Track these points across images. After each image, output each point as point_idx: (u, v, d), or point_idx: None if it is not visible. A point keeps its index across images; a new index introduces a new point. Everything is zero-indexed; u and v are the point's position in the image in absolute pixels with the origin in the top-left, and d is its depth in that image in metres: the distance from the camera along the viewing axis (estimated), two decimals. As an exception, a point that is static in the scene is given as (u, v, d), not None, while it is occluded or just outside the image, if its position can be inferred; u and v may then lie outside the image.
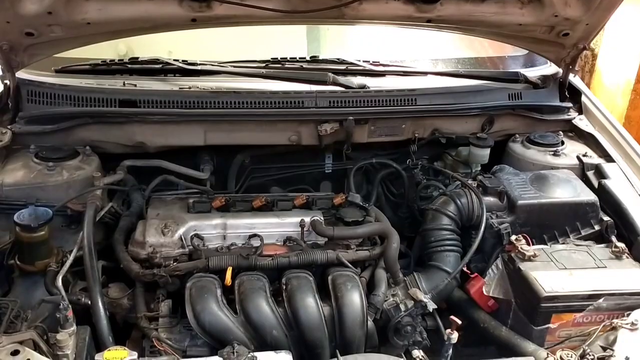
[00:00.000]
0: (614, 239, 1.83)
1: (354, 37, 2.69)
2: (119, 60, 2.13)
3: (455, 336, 1.61)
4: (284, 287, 1.64)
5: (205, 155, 2.18)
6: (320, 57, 2.24)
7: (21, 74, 1.99)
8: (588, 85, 4.07)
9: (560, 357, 1.45)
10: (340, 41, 2.75)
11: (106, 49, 2.37)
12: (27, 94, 1.99)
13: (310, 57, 2.22)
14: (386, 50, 2.58)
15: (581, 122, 2.28)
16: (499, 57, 2.53)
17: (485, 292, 1.77)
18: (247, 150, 2.23)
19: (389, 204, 2.31)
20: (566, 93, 2.34)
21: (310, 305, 1.59)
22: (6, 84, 1.96)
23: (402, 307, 1.73)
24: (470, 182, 1.95)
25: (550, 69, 2.38)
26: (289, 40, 2.55)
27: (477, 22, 2.03)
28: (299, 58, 2.20)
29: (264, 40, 2.50)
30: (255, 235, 1.79)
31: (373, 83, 2.19)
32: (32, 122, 1.97)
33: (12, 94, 1.96)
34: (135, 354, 1.35)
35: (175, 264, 1.71)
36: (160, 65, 2.13)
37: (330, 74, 2.09)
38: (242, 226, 1.82)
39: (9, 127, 1.94)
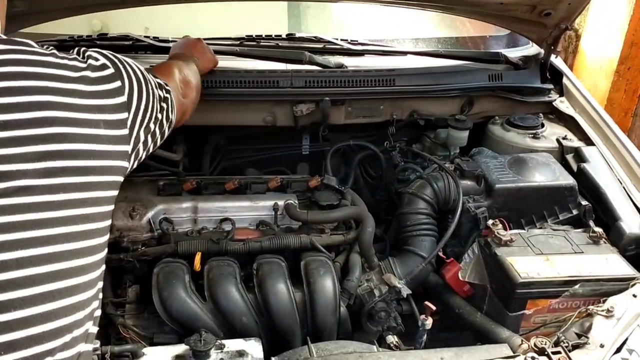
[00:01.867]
0: (591, 223, 1.81)
1: (335, 15, 2.64)
2: (87, 36, 2.05)
3: (429, 322, 1.59)
4: (255, 272, 1.60)
5: (179, 136, 2.11)
6: (298, 35, 2.17)
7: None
8: (571, 66, 4.05)
9: (534, 344, 1.42)
10: (322, 19, 2.70)
11: (79, 24, 2.30)
12: (-10, 71, 1.91)
13: (287, 35, 2.15)
14: (368, 28, 2.53)
15: (562, 104, 2.24)
16: (481, 37, 2.48)
17: (460, 277, 1.75)
18: (222, 131, 2.17)
19: (367, 186, 2.27)
20: (547, 74, 2.29)
21: (281, 291, 1.55)
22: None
23: (376, 292, 1.70)
24: (447, 165, 1.91)
25: (531, 49, 2.33)
26: (268, 17, 2.49)
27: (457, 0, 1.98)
28: (275, 36, 2.14)
29: (243, 16, 2.44)
30: (226, 219, 1.74)
31: (351, 62, 2.13)
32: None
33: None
34: (97, 342, 1.31)
35: (143, 248, 1.66)
36: (131, 42, 2.05)
37: (306, 52, 2.02)
38: (214, 209, 1.77)
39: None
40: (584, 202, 1.85)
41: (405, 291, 1.66)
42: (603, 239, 1.73)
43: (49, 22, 1.90)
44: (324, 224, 1.77)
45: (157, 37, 2.07)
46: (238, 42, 2.09)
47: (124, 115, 1.12)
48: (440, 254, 1.78)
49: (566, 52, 4.16)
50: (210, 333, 1.44)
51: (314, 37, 2.16)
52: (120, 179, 1.13)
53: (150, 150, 1.30)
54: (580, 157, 2.00)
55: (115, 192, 1.11)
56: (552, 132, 2.15)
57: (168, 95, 1.39)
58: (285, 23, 2.50)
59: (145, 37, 2.06)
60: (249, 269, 1.64)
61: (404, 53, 2.21)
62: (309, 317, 1.58)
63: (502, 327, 1.60)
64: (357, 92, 2.02)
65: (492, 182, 1.82)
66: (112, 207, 1.11)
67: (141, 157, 1.25)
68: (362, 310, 1.68)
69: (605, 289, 1.59)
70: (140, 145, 1.21)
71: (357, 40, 2.18)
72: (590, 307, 1.52)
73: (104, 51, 1.17)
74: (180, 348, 1.40)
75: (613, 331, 1.44)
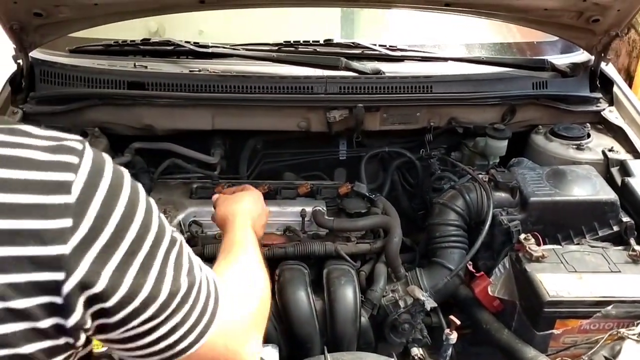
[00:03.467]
0: (632, 241, 1.72)
1: (388, 20, 2.61)
2: (130, 41, 2.11)
3: (454, 336, 1.55)
4: (277, 278, 1.61)
5: (217, 139, 2.15)
6: (336, 41, 2.16)
7: (36, 54, 2.00)
8: (634, 72, 3.86)
9: (558, 367, 1.38)
10: (375, 24, 2.67)
11: (136, 26, 2.38)
12: (40, 74, 2.00)
13: (325, 41, 2.15)
14: (418, 33, 2.49)
15: (611, 114, 2.14)
16: (528, 43, 2.40)
17: (490, 292, 1.70)
18: (260, 135, 2.19)
19: (406, 193, 2.25)
20: (597, 82, 2.20)
21: (301, 298, 1.56)
22: (19, 63, 1.97)
23: (401, 303, 1.67)
24: (482, 175, 1.86)
25: (581, 56, 2.24)
26: (322, 22, 2.49)
27: (499, 6, 1.93)
28: (313, 41, 2.14)
29: (296, 21, 2.45)
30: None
31: (389, 68, 2.10)
32: (43, 102, 1.97)
33: (25, 73, 1.97)
34: None
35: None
36: (172, 47, 2.10)
37: (342, 58, 2.01)
38: (243, 214, 1.79)
39: (20, 106, 1.96)
40: (625, 219, 1.76)
41: (430, 304, 1.62)
42: (644, 258, 1.65)
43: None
44: (350, 232, 1.76)
45: (198, 43, 2.11)
46: (276, 48, 2.10)
47: (52, 276, 0.67)
48: (471, 267, 1.74)
49: (630, 57, 3.98)
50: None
51: (352, 42, 2.15)
52: None
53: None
54: (625, 170, 1.91)
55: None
56: (599, 144, 2.06)
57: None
58: (338, 28, 2.49)
59: (186, 42, 2.10)
60: (272, 275, 1.65)
61: (445, 59, 2.16)
62: (329, 326, 1.57)
63: (529, 347, 1.55)
64: (392, 99, 2.00)
65: (527, 195, 1.76)
66: None
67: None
68: (385, 321, 1.66)
69: (640, 311, 1.52)
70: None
71: (396, 46, 2.15)
72: (622, 330, 1.46)
73: (110, 160, 0.75)
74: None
75: (644, 357, 1.38)
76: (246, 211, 1.34)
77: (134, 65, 2.04)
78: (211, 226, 1.77)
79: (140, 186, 0.78)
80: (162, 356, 0.80)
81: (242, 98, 1.95)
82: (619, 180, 1.89)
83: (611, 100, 2.20)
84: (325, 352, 1.41)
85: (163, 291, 0.76)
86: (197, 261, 0.86)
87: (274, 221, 1.78)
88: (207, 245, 1.67)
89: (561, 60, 2.24)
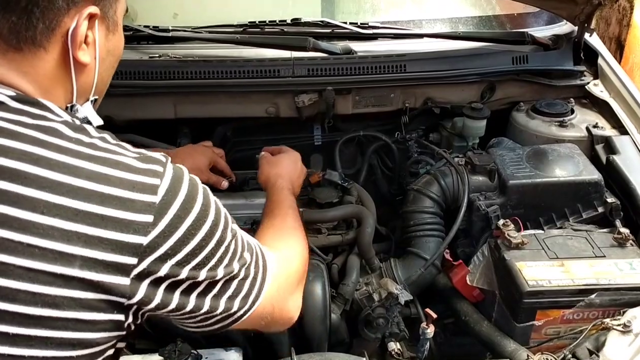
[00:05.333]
0: (618, 223, 1.63)
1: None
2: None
3: (431, 330, 1.48)
4: (241, 277, 1.51)
5: (184, 128, 2.05)
6: (304, 20, 2.04)
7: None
8: (625, 41, 3.75)
9: (538, 362, 1.30)
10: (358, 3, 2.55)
11: None
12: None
13: (292, 20, 2.03)
14: (402, 9, 2.38)
15: (595, 87, 2.03)
16: (507, 16, 2.29)
17: (469, 282, 1.61)
18: (229, 122, 2.09)
19: (385, 178, 2.15)
20: (581, 55, 2.09)
21: (266, 297, 1.46)
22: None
23: (375, 297, 1.58)
24: (458, 158, 1.76)
25: (564, 27, 2.13)
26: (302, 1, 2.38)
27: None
28: (280, 21, 2.02)
29: (276, 2, 2.34)
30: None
31: (361, 47, 1.99)
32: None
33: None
34: None
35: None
36: (130, 32, 1.98)
37: (310, 38, 1.90)
38: (207, 208, 1.69)
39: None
40: (610, 199, 1.67)
41: (404, 297, 1.54)
42: (630, 241, 1.55)
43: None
44: (320, 223, 1.67)
45: (157, 27, 1.99)
46: (241, 29, 1.99)
47: (128, 260, 0.80)
48: (448, 256, 1.65)
49: (620, 26, 3.85)
50: (190, 341, 1.38)
51: (321, 21, 2.03)
52: (105, 335, 0.83)
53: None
54: (610, 147, 1.81)
55: (89, 350, 0.83)
56: (583, 120, 1.95)
57: (253, 287, 0.99)
58: (318, 7, 2.38)
59: (144, 26, 1.99)
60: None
61: (419, 36, 2.05)
62: (297, 326, 1.48)
63: (509, 339, 1.46)
64: (363, 80, 1.89)
65: (506, 178, 1.67)
66: None
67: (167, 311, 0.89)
68: (358, 317, 1.58)
69: (627, 298, 1.43)
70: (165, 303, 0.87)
71: (367, 24, 2.04)
72: (606, 320, 1.37)
73: (192, 176, 0.89)
74: (156, 358, 1.35)
75: (629, 349, 1.29)
76: (286, 175, 1.52)
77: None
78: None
79: (209, 192, 0.92)
80: (219, 325, 0.98)
81: (203, 84, 1.84)
82: (603, 158, 1.80)
83: (596, 73, 2.09)
84: (293, 354, 1.33)
85: (220, 273, 0.91)
86: (246, 237, 1.02)
87: (241, 214, 1.68)
88: None
89: (543, 32, 2.13)
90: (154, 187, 0.83)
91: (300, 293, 1.17)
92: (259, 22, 2.02)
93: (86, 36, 0.89)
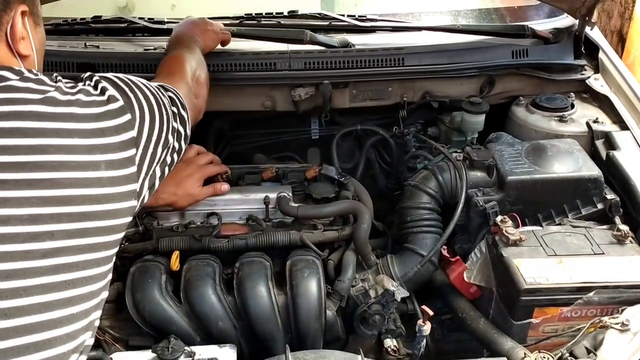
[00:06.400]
0: (617, 220, 1.61)
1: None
2: (81, 19, 1.97)
3: (427, 327, 1.46)
4: (236, 273, 1.50)
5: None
6: (301, 12, 2.02)
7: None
8: (627, 34, 3.72)
9: (536, 360, 1.28)
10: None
11: (105, 1, 2.23)
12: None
13: (289, 12, 2.00)
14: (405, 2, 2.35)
15: (596, 82, 2.01)
16: (507, 9, 2.26)
17: (466, 279, 1.60)
18: (225, 116, 2.07)
19: (383, 172, 2.13)
20: (582, 49, 2.06)
21: (261, 294, 1.45)
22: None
23: (371, 293, 1.56)
24: (456, 153, 1.74)
25: (564, 21, 2.10)
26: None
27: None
28: (276, 13, 2.00)
29: None
30: (213, 213, 1.64)
31: (359, 40, 1.97)
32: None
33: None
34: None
35: (126, 244, 1.59)
36: (126, 25, 1.96)
37: (307, 31, 1.88)
38: (202, 203, 1.66)
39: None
40: (610, 196, 1.65)
41: (401, 294, 1.51)
42: (629, 238, 1.54)
43: None
44: (316, 219, 1.65)
45: (152, 19, 1.97)
46: (237, 22, 1.97)
47: (131, 152, 1.05)
48: (445, 252, 1.63)
49: (622, 19, 3.82)
50: (184, 338, 1.38)
51: (318, 14, 2.01)
52: (127, 219, 1.07)
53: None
54: (610, 143, 1.79)
55: (119, 235, 1.07)
56: (583, 115, 1.93)
57: (184, 113, 1.29)
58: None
59: (139, 18, 1.96)
60: (234, 268, 1.54)
61: (418, 29, 2.03)
62: (292, 323, 1.47)
63: (506, 337, 1.45)
64: (360, 74, 1.87)
65: (505, 174, 1.64)
66: (115, 250, 1.08)
67: (156, 189, 1.21)
68: (354, 314, 1.56)
69: (625, 296, 1.41)
70: (153, 179, 1.15)
71: (365, 16, 2.01)
72: (604, 318, 1.35)
73: (115, 78, 1.10)
74: (149, 355, 1.34)
75: (627, 348, 1.28)
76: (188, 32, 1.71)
77: (85, 45, 1.90)
78: (169, 217, 1.66)
79: (137, 78, 1.16)
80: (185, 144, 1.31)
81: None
82: (603, 153, 1.78)
83: (597, 67, 2.06)
84: (287, 351, 1.31)
85: (171, 129, 1.21)
86: (162, 89, 1.24)
87: (236, 209, 1.66)
88: (161, 239, 1.56)
89: (543, 25, 2.10)
90: (114, 97, 1.05)
91: (198, 86, 1.53)
92: (256, 14, 2.00)
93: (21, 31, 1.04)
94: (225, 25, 1.95)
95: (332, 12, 2.06)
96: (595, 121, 1.87)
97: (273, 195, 1.66)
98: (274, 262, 1.56)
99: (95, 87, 1.06)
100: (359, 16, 2.02)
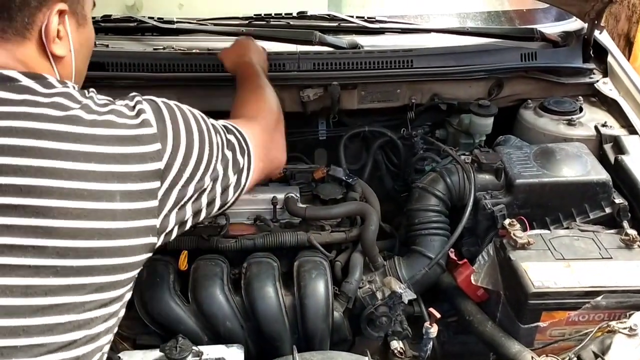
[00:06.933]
0: (625, 224, 1.61)
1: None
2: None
3: (434, 330, 1.47)
4: (243, 273, 1.50)
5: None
6: (310, 13, 2.02)
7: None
8: (634, 38, 3.71)
9: (542, 364, 1.28)
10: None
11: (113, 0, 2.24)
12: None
13: (298, 13, 2.00)
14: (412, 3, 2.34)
15: (605, 85, 2.00)
16: (516, 11, 2.26)
17: (473, 281, 1.60)
18: (233, 116, 2.07)
19: (390, 174, 2.13)
20: (591, 52, 2.06)
21: (268, 295, 1.45)
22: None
23: (378, 295, 1.57)
24: (464, 156, 1.74)
25: (573, 24, 2.10)
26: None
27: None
28: (286, 14, 2.00)
29: None
30: (221, 213, 1.64)
31: (368, 42, 1.97)
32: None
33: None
34: None
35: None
36: (135, 24, 1.96)
37: (316, 32, 1.88)
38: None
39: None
40: (618, 200, 1.65)
41: (408, 296, 1.52)
42: (637, 243, 1.53)
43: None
44: (324, 220, 1.65)
45: (162, 19, 1.97)
46: (246, 22, 1.97)
47: (153, 185, 0.95)
48: (453, 255, 1.63)
49: (630, 22, 3.81)
50: (192, 337, 1.39)
51: (327, 15, 2.01)
52: (143, 257, 0.98)
53: (201, 220, 1.13)
54: (619, 147, 1.78)
55: (132, 274, 0.98)
56: (592, 118, 1.93)
57: (241, 159, 1.16)
58: (324, 0, 2.35)
59: (149, 18, 1.97)
60: (241, 268, 1.55)
61: (427, 31, 2.03)
62: (299, 324, 1.47)
63: (513, 340, 1.45)
64: (369, 75, 1.87)
65: (513, 177, 1.64)
66: (127, 288, 0.99)
67: (184, 229, 1.09)
68: (361, 315, 1.56)
69: (633, 301, 1.41)
70: (182, 217, 1.04)
71: (374, 18, 2.01)
72: (612, 322, 1.35)
73: (160, 102, 1.03)
74: (156, 354, 1.34)
75: (635, 353, 1.28)
76: (248, 52, 1.64)
77: (95, 44, 1.90)
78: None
79: (183, 106, 1.07)
80: (233, 200, 1.19)
81: (207, 77, 1.82)
82: (612, 158, 1.77)
83: (605, 71, 2.06)
84: (295, 352, 1.31)
85: (219, 169, 1.10)
86: (221, 123, 1.17)
87: (244, 210, 1.67)
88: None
89: (552, 29, 2.10)
90: (148, 121, 0.96)
91: (280, 137, 1.40)
92: (265, 14, 1.99)
93: (58, 31, 0.99)
94: (234, 25, 1.96)
95: (340, 13, 2.06)
96: (604, 125, 1.87)
97: (281, 196, 1.67)
98: (282, 262, 1.57)
99: (132, 107, 0.98)
100: (367, 18, 2.02)
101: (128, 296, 1.00)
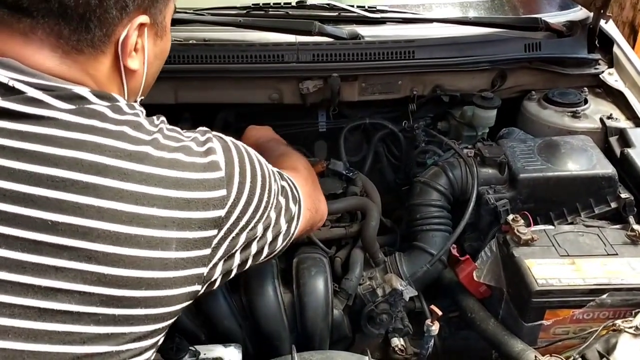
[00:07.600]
0: (631, 219, 1.57)
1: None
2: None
3: (435, 327, 1.44)
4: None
5: (185, 114, 2.00)
6: (309, 3, 1.98)
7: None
8: (638, 25, 3.66)
9: (546, 364, 1.26)
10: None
11: None
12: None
13: (297, 3, 1.96)
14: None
15: (610, 76, 1.96)
16: (520, 0, 2.21)
17: (475, 278, 1.57)
18: (232, 108, 2.03)
19: (391, 167, 2.10)
20: (596, 42, 2.02)
21: (267, 293, 1.42)
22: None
23: (379, 292, 1.54)
24: (467, 149, 1.70)
25: (578, 13, 2.05)
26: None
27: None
28: (284, 3, 1.95)
29: None
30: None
31: (369, 32, 1.93)
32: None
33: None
34: None
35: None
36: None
37: (316, 22, 1.83)
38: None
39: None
40: (624, 194, 1.61)
41: (409, 293, 1.49)
42: (643, 239, 1.50)
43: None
44: (324, 215, 1.62)
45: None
46: (244, 12, 1.92)
47: (210, 233, 0.89)
48: (455, 251, 1.60)
49: (634, 10, 3.76)
50: (189, 337, 1.35)
51: (327, 4, 1.96)
52: (183, 305, 0.91)
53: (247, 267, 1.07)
54: (625, 140, 1.75)
55: (167, 323, 0.91)
56: (597, 110, 1.89)
57: (293, 207, 1.13)
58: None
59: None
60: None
61: (429, 20, 1.98)
62: (298, 322, 1.45)
63: (516, 339, 1.42)
64: (370, 67, 1.83)
65: (517, 171, 1.61)
66: (160, 337, 0.92)
67: (226, 279, 1.03)
68: (361, 312, 1.53)
69: (639, 299, 1.38)
70: (229, 266, 0.98)
71: (375, 7, 1.97)
72: (617, 321, 1.32)
73: (230, 142, 0.96)
74: (153, 354, 1.32)
75: (641, 352, 1.25)
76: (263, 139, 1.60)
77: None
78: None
79: (249, 149, 1.01)
80: (282, 248, 1.15)
81: (204, 69, 1.78)
82: (617, 151, 1.74)
83: (611, 62, 2.02)
84: (294, 351, 1.29)
85: (272, 215, 1.05)
86: (275, 169, 1.11)
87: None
88: None
89: (556, 18, 2.05)
90: (217, 164, 0.90)
91: (320, 190, 1.40)
92: (263, 4, 1.95)
93: (136, 43, 0.92)
94: (232, 15, 1.92)
95: (340, 2, 2.02)
96: (609, 117, 1.83)
97: (280, 191, 1.63)
98: (280, 259, 1.54)
99: (202, 143, 0.92)
100: (368, 7, 1.97)
101: (161, 341, 0.95)
